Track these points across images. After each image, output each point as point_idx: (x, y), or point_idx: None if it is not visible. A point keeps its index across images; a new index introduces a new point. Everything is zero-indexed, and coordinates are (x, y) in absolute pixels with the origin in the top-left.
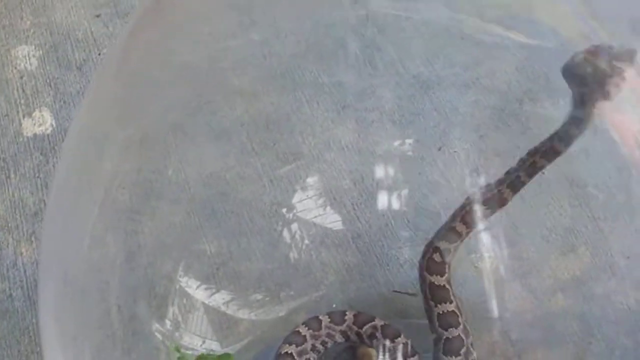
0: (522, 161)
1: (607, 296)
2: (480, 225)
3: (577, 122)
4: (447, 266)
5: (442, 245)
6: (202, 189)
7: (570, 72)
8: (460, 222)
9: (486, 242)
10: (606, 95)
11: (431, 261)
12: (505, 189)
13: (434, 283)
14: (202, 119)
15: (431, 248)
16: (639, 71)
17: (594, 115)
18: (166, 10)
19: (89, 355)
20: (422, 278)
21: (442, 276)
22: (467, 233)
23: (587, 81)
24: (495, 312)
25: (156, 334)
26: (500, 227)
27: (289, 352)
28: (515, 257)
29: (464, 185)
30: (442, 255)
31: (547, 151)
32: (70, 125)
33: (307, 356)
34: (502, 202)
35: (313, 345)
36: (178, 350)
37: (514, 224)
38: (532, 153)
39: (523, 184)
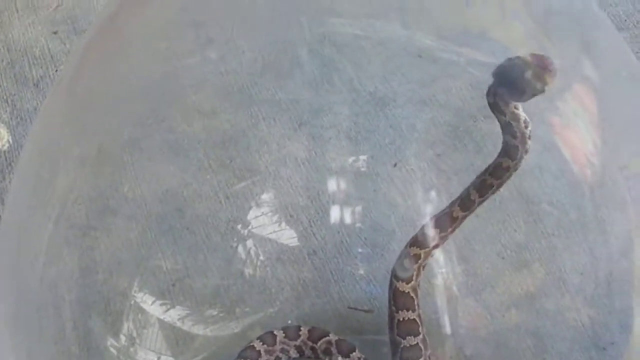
0: (475, 180)
1: (560, 312)
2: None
3: (508, 128)
4: (414, 274)
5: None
6: (159, 205)
7: (495, 74)
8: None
9: (440, 258)
10: (520, 95)
11: (401, 266)
12: (455, 208)
13: (398, 289)
14: (159, 136)
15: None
16: (591, 88)
17: (518, 116)
18: (122, 26)
19: None
20: (390, 283)
21: (408, 283)
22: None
23: (506, 82)
24: (448, 328)
25: (111, 349)
26: (453, 244)
27: None
28: (470, 273)
29: (419, 202)
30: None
31: (495, 168)
32: (26, 141)
33: None
34: (452, 222)
35: None
36: None
37: (468, 241)
38: (483, 171)
39: (473, 202)
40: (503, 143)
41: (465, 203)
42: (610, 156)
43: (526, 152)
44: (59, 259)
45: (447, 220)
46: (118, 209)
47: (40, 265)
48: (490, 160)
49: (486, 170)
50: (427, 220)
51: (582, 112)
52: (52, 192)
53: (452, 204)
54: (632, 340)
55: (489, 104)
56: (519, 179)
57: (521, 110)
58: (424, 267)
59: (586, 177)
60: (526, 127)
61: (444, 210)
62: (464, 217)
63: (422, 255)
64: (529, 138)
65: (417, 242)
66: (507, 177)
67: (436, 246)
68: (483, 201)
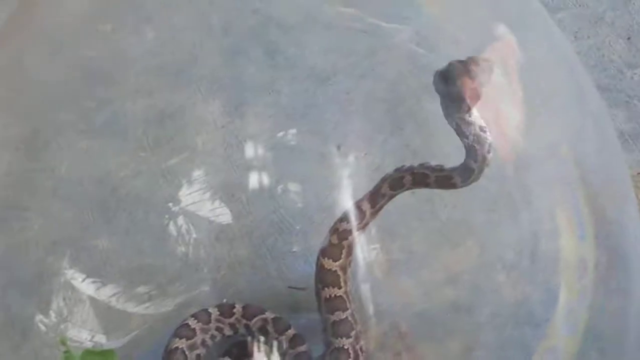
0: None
1: (496, 289)
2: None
3: (468, 149)
4: (342, 252)
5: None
6: (96, 186)
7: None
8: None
9: (374, 235)
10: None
11: (327, 243)
12: (384, 185)
13: (324, 267)
14: (97, 117)
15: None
16: (517, 67)
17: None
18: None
19: None
20: (317, 260)
21: (335, 261)
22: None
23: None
24: (384, 305)
25: (40, 325)
26: (389, 220)
27: (180, 347)
28: (406, 249)
29: (359, 181)
30: (338, 238)
31: (442, 179)
32: None
33: (198, 351)
34: (380, 198)
35: (203, 340)
36: (64, 343)
37: (403, 217)
38: (430, 167)
39: (403, 185)
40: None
41: (396, 183)
42: (537, 138)
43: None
44: None
45: (376, 197)
46: (55, 191)
47: None
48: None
49: (433, 169)
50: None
51: (508, 89)
52: None
53: (382, 180)
54: (555, 316)
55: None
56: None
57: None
58: (353, 245)
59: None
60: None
61: (374, 187)
62: (392, 196)
63: (351, 233)
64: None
65: (346, 218)
66: (448, 188)
67: (366, 224)
68: (412, 189)
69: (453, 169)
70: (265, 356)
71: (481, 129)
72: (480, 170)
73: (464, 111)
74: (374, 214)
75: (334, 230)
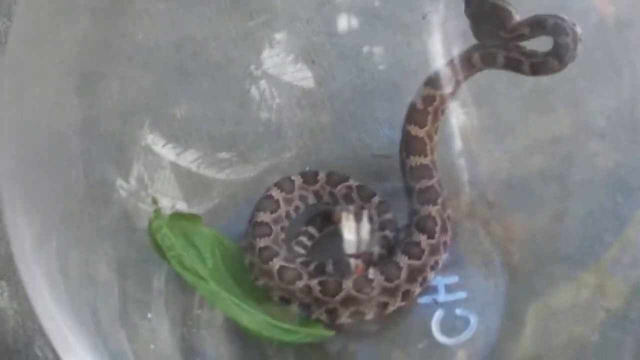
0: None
1: (586, 158)
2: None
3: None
4: (428, 118)
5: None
6: (174, 52)
7: None
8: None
9: (461, 101)
10: None
11: (413, 109)
12: (475, 55)
13: (410, 133)
14: None
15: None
16: None
17: None
18: None
19: (56, 219)
20: (402, 127)
21: (421, 128)
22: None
23: None
24: (471, 172)
25: (120, 191)
26: (475, 87)
27: (265, 220)
28: (492, 116)
29: (443, 48)
30: (424, 104)
31: (539, 64)
32: None
33: (282, 224)
34: (469, 68)
35: (287, 212)
36: (155, 202)
37: (490, 84)
38: (525, 51)
39: (495, 62)
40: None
41: (488, 58)
42: None
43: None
44: (68, 109)
45: (466, 65)
46: (132, 57)
47: (47, 114)
48: None
49: (527, 55)
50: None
51: None
52: (63, 39)
53: (473, 48)
54: None
55: None
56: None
57: None
58: (442, 111)
59: (610, 15)
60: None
61: (463, 53)
62: (481, 69)
63: (437, 98)
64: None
65: (432, 82)
66: (545, 74)
67: (453, 90)
68: (503, 69)
69: (547, 53)
70: (352, 224)
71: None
72: (575, 45)
73: None
74: (462, 81)
75: (420, 95)
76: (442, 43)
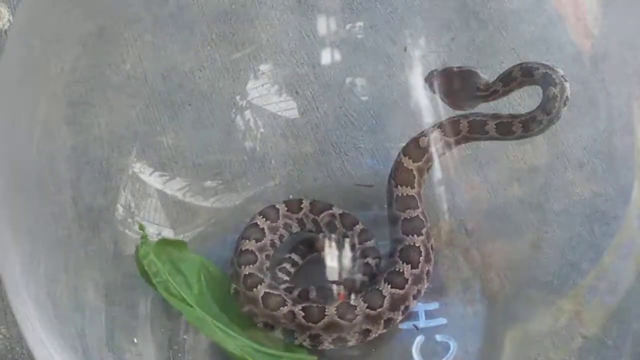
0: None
1: (563, 187)
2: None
3: None
4: (424, 156)
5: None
6: (161, 82)
7: None
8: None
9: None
10: None
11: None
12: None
13: (402, 164)
14: (162, 12)
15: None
16: None
17: None
18: None
19: (45, 245)
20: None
21: (414, 162)
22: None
23: None
24: (450, 201)
25: (109, 218)
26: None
27: (250, 248)
28: (472, 146)
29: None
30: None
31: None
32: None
33: (267, 252)
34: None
35: (272, 241)
36: (142, 229)
37: None
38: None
39: (486, 133)
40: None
41: (477, 127)
42: (613, 30)
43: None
44: (58, 136)
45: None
46: (120, 86)
47: (35, 142)
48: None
49: (513, 116)
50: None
51: None
52: (51, 69)
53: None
54: (629, 210)
55: None
56: (524, 50)
57: None
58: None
59: (587, 48)
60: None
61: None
62: (470, 140)
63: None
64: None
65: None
66: (535, 132)
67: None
68: (494, 139)
69: (533, 110)
70: (334, 251)
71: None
72: (563, 94)
73: None
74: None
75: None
76: (422, 75)
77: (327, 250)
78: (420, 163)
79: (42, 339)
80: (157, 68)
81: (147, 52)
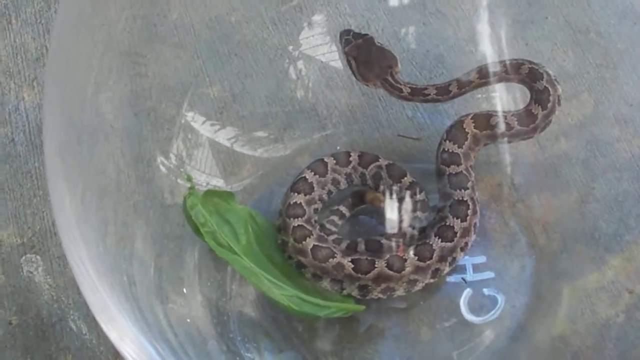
0: None
1: (610, 143)
2: None
3: None
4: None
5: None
6: (207, 32)
7: None
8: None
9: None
10: None
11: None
12: None
13: (462, 123)
14: None
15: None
16: None
17: None
18: None
19: (95, 195)
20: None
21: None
22: None
23: None
24: (497, 156)
25: (161, 167)
26: None
27: (299, 202)
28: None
29: (473, 28)
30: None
31: None
32: None
33: (315, 206)
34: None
35: (320, 196)
36: (189, 180)
37: None
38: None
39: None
40: None
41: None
42: None
43: None
44: (108, 87)
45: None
46: (166, 37)
47: (89, 93)
48: None
49: (513, 112)
50: None
51: None
52: (100, 21)
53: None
54: None
55: None
56: (567, 6)
57: None
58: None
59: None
60: None
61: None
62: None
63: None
64: None
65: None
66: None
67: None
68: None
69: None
70: (384, 204)
71: None
72: (555, 99)
73: None
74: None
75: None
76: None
77: (376, 203)
78: (483, 132)
79: (96, 285)
80: (203, 18)
81: (193, 1)
